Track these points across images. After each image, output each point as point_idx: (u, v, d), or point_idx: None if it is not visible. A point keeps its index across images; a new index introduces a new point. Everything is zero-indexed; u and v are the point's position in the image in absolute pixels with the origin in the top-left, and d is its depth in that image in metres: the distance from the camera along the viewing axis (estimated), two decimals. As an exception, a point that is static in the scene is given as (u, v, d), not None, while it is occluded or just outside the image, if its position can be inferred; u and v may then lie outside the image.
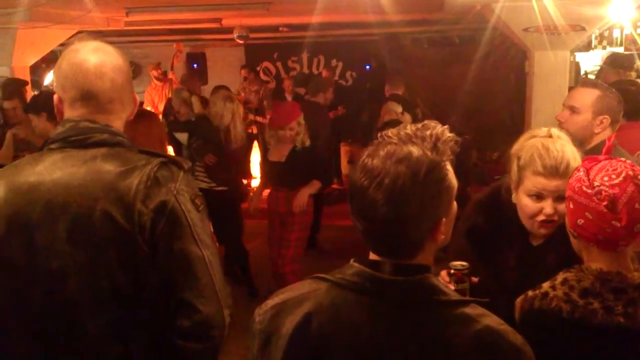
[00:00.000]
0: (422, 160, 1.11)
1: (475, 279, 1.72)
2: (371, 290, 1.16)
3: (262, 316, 1.24)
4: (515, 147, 1.86)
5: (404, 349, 1.12)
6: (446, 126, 1.18)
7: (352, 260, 1.22)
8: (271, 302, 1.26)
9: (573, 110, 2.58)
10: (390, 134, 1.17)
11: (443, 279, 1.68)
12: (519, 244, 1.88)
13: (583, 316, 1.36)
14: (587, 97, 2.56)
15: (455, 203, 1.21)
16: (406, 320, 1.13)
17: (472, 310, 1.16)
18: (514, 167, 1.83)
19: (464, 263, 1.69)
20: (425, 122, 1.19)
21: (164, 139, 4.88)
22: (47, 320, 1.48)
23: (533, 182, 1.76)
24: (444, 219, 1.17)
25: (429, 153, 1.13)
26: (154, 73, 8.82)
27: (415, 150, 1.12)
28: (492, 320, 1.15)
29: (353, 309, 1.16)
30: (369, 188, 1.11)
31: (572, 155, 1.75)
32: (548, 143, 1.77)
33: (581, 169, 1.45)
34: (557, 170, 1.72)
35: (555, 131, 1.83)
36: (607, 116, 2.54)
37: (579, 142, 1.91)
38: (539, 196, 1.76)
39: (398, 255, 1.17)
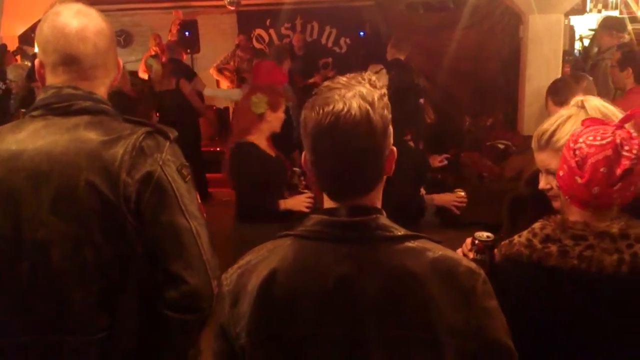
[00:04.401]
0: (371, 92, 1.22)
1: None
2: (331, 235, 1.23)
3: (229, 279, 1.30)
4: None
5: (370, 283, 1.19)
6: (368, 71, 1.30)
7: (310, 214, 1.29)
8: (236, 265, 1.31)
9: None
10: (328, 84, 1.26)
11: (466, 246, 1.70)
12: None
13: (539, 258, 1.44)
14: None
15: None
16: (368, 256, 1.21)
17: (426, 243, 1.25)
18: None
19: (490, 234, 1.67)
20: (351, 74, 1.29)
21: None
22: (33, 290, 1.48)
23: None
24: (393, 148, 1.27)
25: (371, 88, 1.23)
26: (155, 49, 8.71)
27: (361, 88, 1.22)
28: (446, 250, 1.26)
29: (317, 255, 1.23)
30: (338, 123, 1.18)
31: (557, 126, 1.67)
32: (552, 116, 1.73)
33: (582, 126, 1.49)
34: (539, 143, 1.70)
35: (578, 102, 1.72)
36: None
37: None
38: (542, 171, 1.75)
39: (359, 191, 1.25)
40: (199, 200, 1.58)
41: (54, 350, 1.49)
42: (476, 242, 1.64)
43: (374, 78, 1.27)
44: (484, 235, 1.65)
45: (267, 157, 3.22)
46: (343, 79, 1.25)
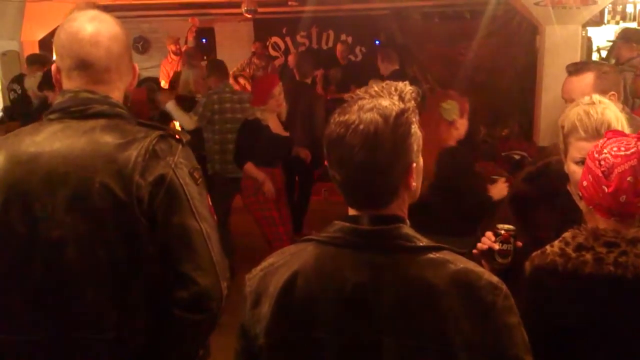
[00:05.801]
0: (391, 107, 1.21)
1: (520, 243, 1.74)
2: (352, 242, 1.23)
3: (252, 280, 1.32)
4: (561, 117, 1.87)
5: (387, 292, 1.19)
6: (406, 82, 1.28)
7: (334, 221, 1.29)
8: (260, 266, 1.34)
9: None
10: (358, 92, 1.26)
11: (489, 238, 1.71)
12: (565, 213, 1.86)
13: (575, 267, 1.44)
14: (583, 84, 2.39)
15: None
16: (387, 265, 1.21)
17: (449, 255, 1.23)
18: (560, 137, 1.85)
19: (512, 226, 1.72)
20: (388, 81, 1.29)
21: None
22: (45, 289, 1.50)
23: (577, 148, 1.77)
24: (414, 164, 1.25)
25: (396, 102, 1.22)
26: (172, 47, 8.81)
27: (384, 101, 1.22)
28: (468, 263, 1.23)
29: (337, 262, 1.23)
30: (346, 136, 1.19)
31: (613, 116, 1.75)
32: (589, 108, 1.78)
33: (605, 137, 1.52)
34: (599, 132, 1.70)
35: (597, 97, 1.82)
36: (614, 92, 2.34)
37: None
38: (584, 162, 1.71)
39: (375, 204, 1.24)
40: (210, 203, 1.60)
41: (64, 348, 1.51)
42: (502, 232, 1.68)
43: (407, 89, 1.25)
44: (506, 226, 1.70)
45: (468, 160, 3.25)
46: (375, 89, 1.25)
